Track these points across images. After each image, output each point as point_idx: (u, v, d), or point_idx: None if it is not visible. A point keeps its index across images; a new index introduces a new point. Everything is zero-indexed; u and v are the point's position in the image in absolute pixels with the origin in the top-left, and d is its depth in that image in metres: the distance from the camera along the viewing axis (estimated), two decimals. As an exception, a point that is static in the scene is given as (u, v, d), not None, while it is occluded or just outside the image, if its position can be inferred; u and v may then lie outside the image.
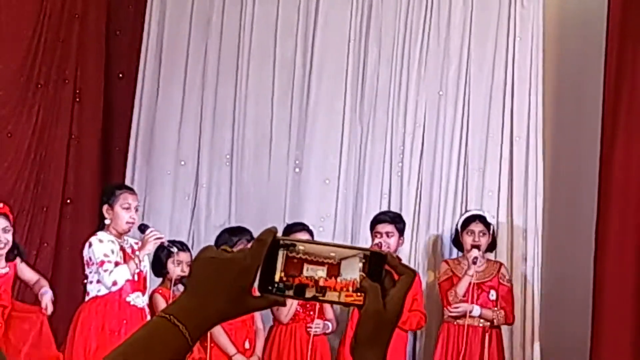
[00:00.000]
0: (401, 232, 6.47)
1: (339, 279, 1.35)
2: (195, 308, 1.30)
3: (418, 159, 7.07)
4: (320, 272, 1.35)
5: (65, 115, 7.09)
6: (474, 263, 6.27)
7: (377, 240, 6.33)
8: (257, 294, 1.36)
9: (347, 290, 1.35)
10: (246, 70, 7.39)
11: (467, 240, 6.42)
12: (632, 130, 6.13)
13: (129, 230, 5.89)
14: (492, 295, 6.40)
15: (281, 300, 1.36)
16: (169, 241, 5.95)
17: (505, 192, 6.93)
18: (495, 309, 6.36)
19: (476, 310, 6.29)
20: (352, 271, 1.35)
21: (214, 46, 7.47)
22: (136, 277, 5.77)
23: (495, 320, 6.34)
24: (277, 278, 1.35)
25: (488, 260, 6.53)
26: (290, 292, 1.35)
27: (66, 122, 7.10)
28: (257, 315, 6.21)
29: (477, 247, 6.35)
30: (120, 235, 5.84)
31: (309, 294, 1.35)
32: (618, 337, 5.96)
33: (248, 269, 1.32)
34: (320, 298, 1.36)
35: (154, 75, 7.51)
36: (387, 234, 6.40)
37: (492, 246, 6.54)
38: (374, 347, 1.35)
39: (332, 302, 1.39)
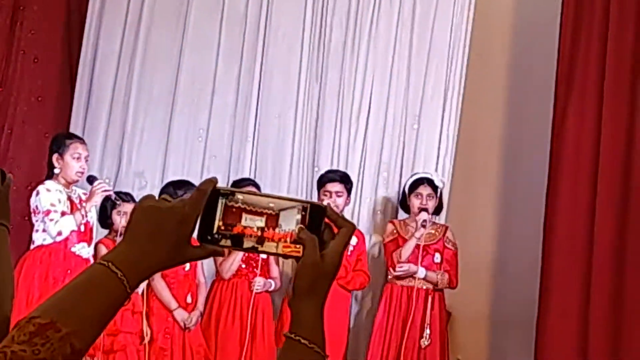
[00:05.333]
0: (349, 192, 6.48)
1: (277, 230, 1.35)
2: (134, 256, 1.30)
3: (365, 120, 7.06)
4: (259, 222, 1.35)
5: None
6: (424, 226, 6.26)
7: (326, 201, 6.28)
8: (197, 243, 1.36)
9: (285, 241, 1.36)
10: (184, 19, 7.27)
11: (415, 203, 6.43)
12: (585, 99, 6.16)
13: (78, 180, 5.86)
14: (437, 258, 6.42)
15: (219, 250, 1.36)
16: (115, 193, 5.93)
17: (452, 157, 6.96)
18: (440, 271, 6.40)
19: (421, 272, 6.30)
20: (291, 222, 1.36)
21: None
22: (82, 228, 5.76)
23: (438, 283, 6.37)
24: (215, 228, 1.35)
25: (434, 223, 6.54)
26: (228, 242, 1.35)
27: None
28: (199, 269, 6.20)
29: (425, 210, 6.36)
30: (68, 184, 5.82)
31: (247, 244, 1.36)
32: (565, 305, 6.00)
33: (187, 218, 1.32)
34: (259, 249, 1.37)
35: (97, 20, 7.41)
36: (336, 193, 6.38)
37: (438, 209, 6.57)
38: (311, 298, 1.36)
39: (269, 253, 1.39)
